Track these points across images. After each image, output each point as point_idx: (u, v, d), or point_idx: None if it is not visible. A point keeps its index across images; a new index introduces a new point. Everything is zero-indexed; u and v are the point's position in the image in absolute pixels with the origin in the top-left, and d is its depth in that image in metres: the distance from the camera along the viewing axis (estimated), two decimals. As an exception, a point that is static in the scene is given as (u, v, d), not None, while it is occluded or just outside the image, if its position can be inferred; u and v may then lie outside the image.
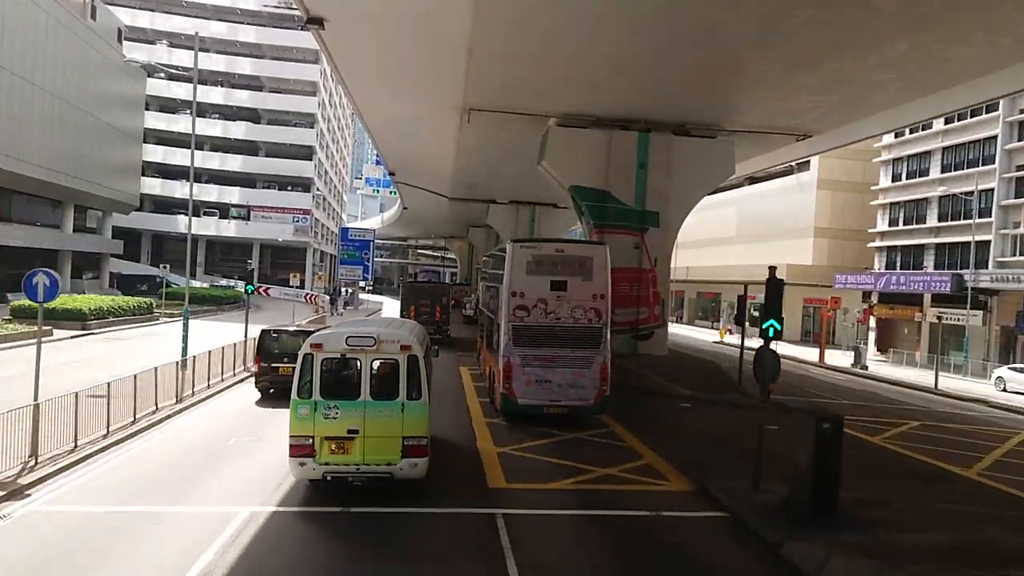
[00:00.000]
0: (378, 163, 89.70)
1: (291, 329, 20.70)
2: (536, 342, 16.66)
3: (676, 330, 63.91)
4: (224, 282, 69.31)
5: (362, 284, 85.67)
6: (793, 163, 60.91)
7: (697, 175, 26.92)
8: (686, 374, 24.13)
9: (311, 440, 10.47)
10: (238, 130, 67.84)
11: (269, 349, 18.63)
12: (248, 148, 69.70)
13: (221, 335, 30.53)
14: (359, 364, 10.73)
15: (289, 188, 69.68)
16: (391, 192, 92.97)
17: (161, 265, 45.32)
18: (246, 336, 25.73)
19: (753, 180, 70.16)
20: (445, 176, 48.55)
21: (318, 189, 72.22)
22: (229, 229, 67.27)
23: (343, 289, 79.55)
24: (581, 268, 16.89)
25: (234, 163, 67.96)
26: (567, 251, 17.37)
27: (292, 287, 70.29)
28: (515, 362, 16.61)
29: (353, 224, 73.30)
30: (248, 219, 67.38)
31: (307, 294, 66.25)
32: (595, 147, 26.09)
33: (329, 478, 10.58)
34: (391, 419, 10.61)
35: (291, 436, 10.57)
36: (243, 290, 35.57)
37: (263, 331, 19.56)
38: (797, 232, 60.73)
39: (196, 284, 63.53)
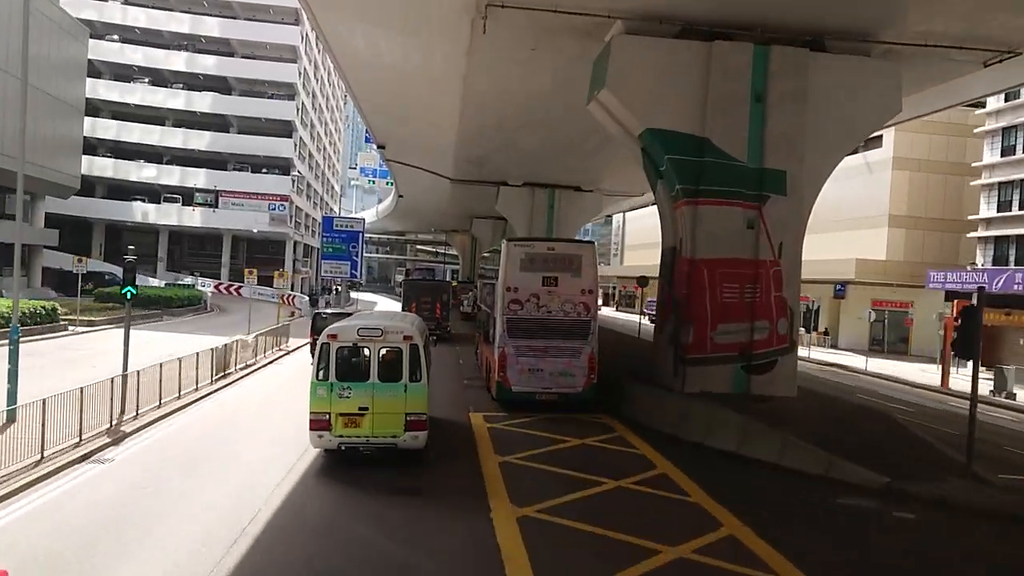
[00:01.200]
0: (368, 140, 79.53)
1: (336, 311, 27.39)
2: (529, 334, 17.70)
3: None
4: (189, 280, 59.66)
5: (348, 282, 76.21)
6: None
7: (843, 115, 17.26)
8: (847, 435, 14.52)
9: (328, 416, 12.21)
10: (204, 102, 58.16)
11: (321, 326, 19.29)
12: (217, 123, 60.05)
13: (145, 352, 21.49)
14: (368, 352, 12.54)
15: (264, 171, 60.04)
16: (388, 183, 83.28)
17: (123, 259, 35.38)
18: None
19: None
20: (447, 149, 39.05)
21: (299, 172, 62.49)
22: (194, 218, 57.63)
23: (335, 288, 70.04)
24: (571, 265, 17.95)
25: (200, 141, 58.34)
26: (558, 249, 18.56)
27: (268, 288, 60.78)
28: (510, 352, 17.68)
29: (343, 218, 63.63)
30: (216, 206, 57.75)
31: (284, 294, 56.57)
32: (685, 68, 16.61)
33: (343, 448, 12.41)
34: (395, 398, 12.33)
35: (311, 412, 12.33)
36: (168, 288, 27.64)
37: (316, 313, 25.87)
38: (865, 221, 51.02)
39: (155, 283, 54.00)
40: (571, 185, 47.56)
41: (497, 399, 18.22)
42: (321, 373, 12.26)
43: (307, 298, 53.64)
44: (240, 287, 59.84)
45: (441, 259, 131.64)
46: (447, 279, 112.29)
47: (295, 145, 61.18)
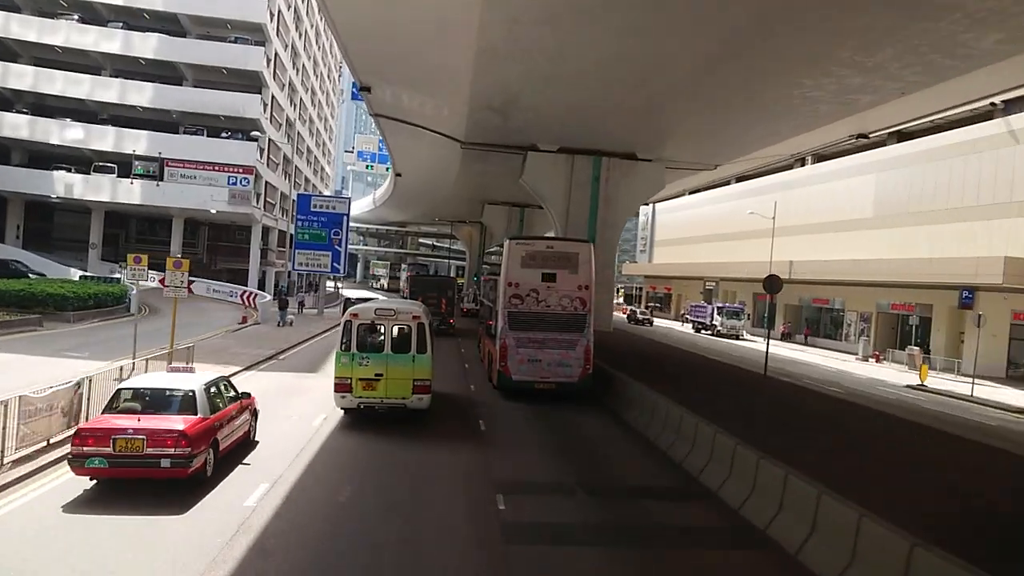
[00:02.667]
0: (355, 96, 66.96)
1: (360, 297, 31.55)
2: (529, 326, 18.91)
3: (815, 359, 42.19)
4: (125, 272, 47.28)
5: (334, 278, 63.97)
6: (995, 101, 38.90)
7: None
8: None
9: (349, 380, 14.90)
10: (148, 45, 45.78)
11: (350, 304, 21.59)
12: (168, 75, 47.65)
13: None
14: (383, 328, 15.38)
15: (226, 135, 47.56)
16: (387, 169, 71.10)
17: None
18: None
19: (904, 135, 48.01)
20: (459, 94, 27.15)
21: (271, 139, 50.02)
22: (132, 193, 45.22)
23: (315, 285, 57.69)
24: (569, 262, 19.23)
25: (140, 95, 45.93)
26: (556, 247, 20.10)
27: (229, 285, 48.45)
28: (510, 343, 18.95)
29: (323, 197, 50.91)
30: (161, 178, 45.39)
31: (245, 293, 44.18)
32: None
33: (362, 407, 15.10)
34: (405, 366, 15.00)
35: (336, 377, 15.09)
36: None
37: (346, 299, 34.15)
38: (999, 210, 38.49)
39: (76, 275, 41.74)
40: (623, 152, 35.13)
41: (498, 387, 19.53)
42: (344, 345, 15.02)
43: (268, 297, 41.39)
44: (192, 282, 47.42)
45: (445, 254, 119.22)
46: (451, 275, 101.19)
47: (266, 105, 48.73)
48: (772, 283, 20.56)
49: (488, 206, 64.24)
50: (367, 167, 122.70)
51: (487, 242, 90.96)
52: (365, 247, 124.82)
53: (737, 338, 56.63)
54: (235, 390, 12.65)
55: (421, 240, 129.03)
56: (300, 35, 59.88)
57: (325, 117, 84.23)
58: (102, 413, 10.75)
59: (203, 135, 47.00)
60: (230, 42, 47.08)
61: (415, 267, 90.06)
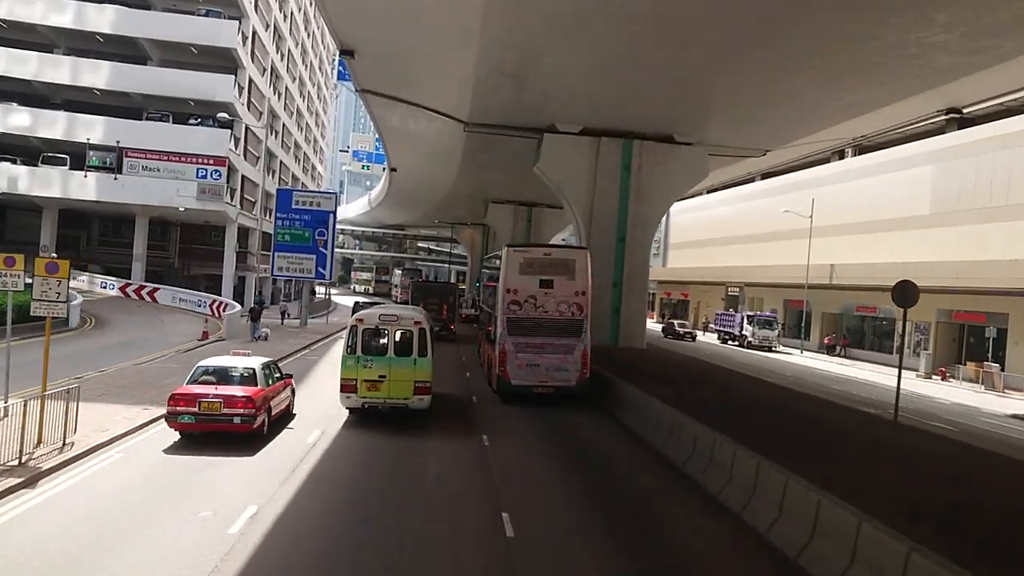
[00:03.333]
0: (342, 75, 61.62)
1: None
2: (527, 332, 19.20)
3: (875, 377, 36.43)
4: (84, 278, 41.52)
5: (320, 284, 58.25)
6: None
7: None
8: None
9: (354, 381, 15.55)
10: (105, 19, 40.01)
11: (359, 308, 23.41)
12: (128, 52, 41.85)
13: None
14: (387, 332, 15.87)
15: (196, 120, 41.69)
16: (384, 168, 65.33)
17: None
18: None
19: (966, 121, 42.17)
20: (464, 55, 21.54)
21: (247, 127, 44.21)
22: (87, 188, 39.38)
23: (314, 292, 52.04)
24: (566, 269, 19.56)
25: (96, 76, 40.14)
26: (554, 254, 20.25)
27: (198, 293, 42.78)
28: (509, 348, 19.21)
29: (306, 192, 44.80)
30: (118, 171, 39.57)
31: (214, 303, 38.36)
32: None
33: (366, 407, 15.79)
34: (407, 369, 15.62)
35: (341, 379, 15.70)
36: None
37: (356, 303, 33.33)
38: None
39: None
40: (658, 133, 29.48)
41: (497, 391, 19.78)
42: (350, 348, 15.70)
43: (238, 308, 35.66)
44: (155, 290, 41.65)
45: (445, 258, 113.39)
46: (451, 281, 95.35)
47: (242, 89, 42.95)
48: (906, 292, 14.46)
49: (492, 205, 58.48)
50: (363, 167, 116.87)
51: (490, 245, 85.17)
52: (362, 251, 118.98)
53: (770, 350, 50.80)
54: (280, 371, 16.06)
55: (420, 244, 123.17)
56: (285, 17, 54.16)
57: (316, 112, 78.49)
58: (185, 384, 13.79)
59: (169, 122, 41.14)
60: (200, 15, 41.30)
61: (409, 271, 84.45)
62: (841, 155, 52.80)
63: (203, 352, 25.98)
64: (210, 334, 29.65)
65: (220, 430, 13.13)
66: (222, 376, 14.04)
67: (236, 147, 42.31)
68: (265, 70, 48.73)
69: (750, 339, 50.73)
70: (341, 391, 15.66)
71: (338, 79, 66.61)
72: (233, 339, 30.98)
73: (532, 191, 53.93)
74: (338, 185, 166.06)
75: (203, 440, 13.19)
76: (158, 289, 41.43)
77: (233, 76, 40.69)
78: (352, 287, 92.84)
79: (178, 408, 12.97)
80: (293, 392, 16.69)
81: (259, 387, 13.86)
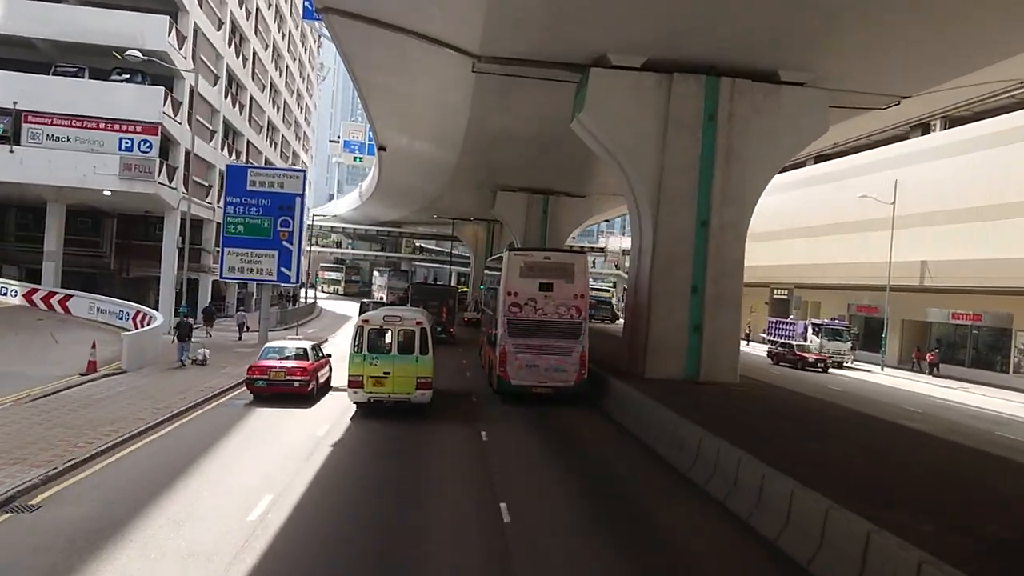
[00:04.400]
0: (308, 12, 52.24)
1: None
2: (527, 333, 19.70)
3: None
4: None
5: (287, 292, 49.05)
6: None
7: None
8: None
9: (361, 378, 16.82)
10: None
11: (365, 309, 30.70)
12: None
13: None
14: (391, 332, 17.21)
15: (120, 73, 31.90)
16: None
17: None
18: None
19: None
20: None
21: (194, 89, 34.61)
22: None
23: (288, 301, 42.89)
24: (565, 273, 19.98)
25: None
26: (553, 259, 20.65)
27: (125, 304, 33.45)
28: (509, 350, 19.71)
29: (266, 170, 34.68)
30: (15, 141, 30.11)
31: (139, 314, 28.87)
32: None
33: (372, 401, 16.99)
34: (410, 366, 16.86)
35: (349, 375, 17.07)
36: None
37: (362, 303, 42.40)
38: None
39: None
40: (756, 68, 20.20)
41: (498, 391, 20.29)
42: (357, 347, 16.92)
43: (159, 321, 26.28)
44: (68, 298, 32.26)
45: (446, 258, 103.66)
46: (452, 283, 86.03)
47: (184, 38, 33.42)
48: None
49: (502, 194, 49.04)
50: (356, 159, 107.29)
51: (495, 243, 75.68)
52: (354, 251, 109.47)
53: (840, 366, 41.31)
54: (322, 352, 20.91)
55: (418, 242, 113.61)
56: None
57: (299, 91, 69.04)
58: (258, 360, 19.01)
59: (84, 77, 31.57)
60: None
61: (394, 273, 78.46)
62: (925, 129, 43.49)
63: (71, 400, 16.59)
64: (95, 366, 20.15)
65: (283, 392, 18.23)
66: (283, 354, 19.25)
67: (176, 113, 32.82)
68: (222, 24, 39.27)
69: (814, 353, 40.52)
70: (349, 386, 17.07)
71: (304, 17, 56.83)
72: (140, 370, 21.52)
73: (550, 175, 44.43)
74: (335, 185, 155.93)
75: (271, 400, 18.25)
76: (71, 297, 32.03)
77: (168, 18, 31.18)
78: (319, 287, 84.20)
79: (255, 376, 18.26)
80: (331, 369, 20.92)
81: (310, 361, 19.15)
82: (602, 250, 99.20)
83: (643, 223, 21.43)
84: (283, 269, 31.62)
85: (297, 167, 34.65)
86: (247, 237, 30.97)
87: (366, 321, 17.32)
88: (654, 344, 20.46)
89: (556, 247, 42.78)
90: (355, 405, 17.45)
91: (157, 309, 31.95)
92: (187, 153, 33.90)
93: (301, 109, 71.68)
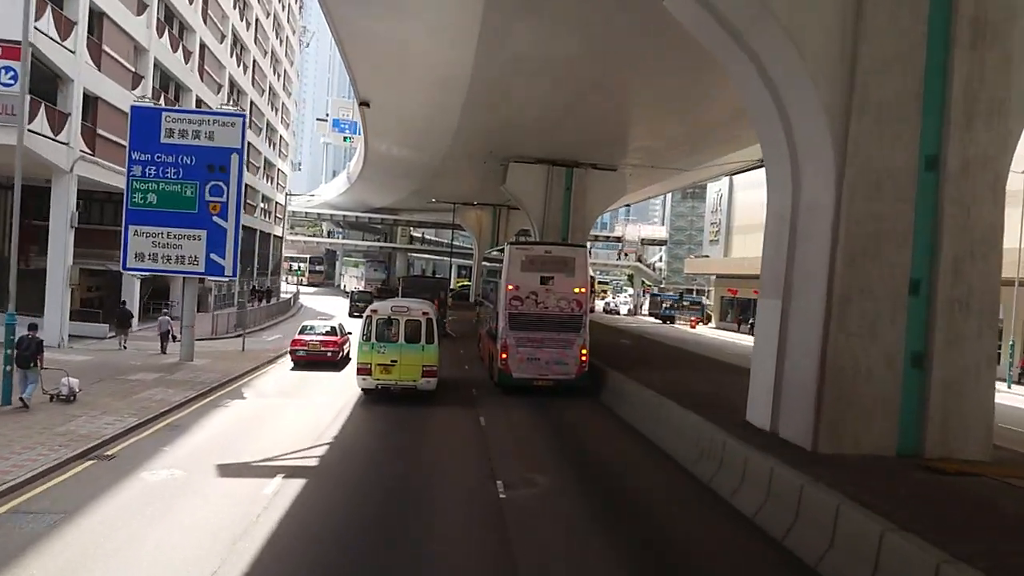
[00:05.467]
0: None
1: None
2: (528, 327, 19.89)
3: None
4: None
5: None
6: None
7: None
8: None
9: (369, 365, 17.70)
10: None
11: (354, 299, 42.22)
12: None
13: None
14: (398, 322, 17.93)
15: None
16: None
17: None
18: None
19: None
20: None
21: (91, 4, 24.97)
22: None
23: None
24: (565, 266, 20.20)
25: None
26: (554, 252, 20.96)
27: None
28: (510, 343, 19.87)
29: (189, 114, 25.11)
30: None
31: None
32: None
33: (379, 387, 17.86)
34: (416, 354, 17.70)
35: (358, 363, 18.09)
36: None
37: (351, 292, 54.32)
38: None
39: None
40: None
41: (499, 384, 20.43)
42: (366, 336, 17.72)
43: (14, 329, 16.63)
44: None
45: (446, 249, 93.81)
46: (452, 276, 76.73)
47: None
48: None
49: (515, 166, 39.14)
50: (345, 139, 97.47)
51: (503, 229, 66.13)
52: (344, 240, 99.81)
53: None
54: (345, 329, 26.12)
55: (415, 231, 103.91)
56: None
57: (274, 52, 59.24)
58: (297, 335, 24.04)
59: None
60: None
61: (372, 264, 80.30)
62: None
63: None
64: None
65: (319, 360, 23.12)
66: (317, 330, 24.56)
67: (66, 36, 23.15)
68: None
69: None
70: (358, 374, 18.01)
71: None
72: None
73: (575, 143, 34.96)
74: (328, 175, 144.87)
75: (309, 367, 22.89)
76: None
77: None
78: (286, 279, 76.71)
79: (296, 348, 23.30)
80: (350, 344, 24.92)
81: (338, 336, 24.45)
82: (619, 239, 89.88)
83: (803, 168, 11.97)
84: (213, 256, 22.23)
85: (236, 111, 24.79)
86: (161, 211, 21.73)
87: (375, 311, 18.23)
88: (835, 391, 11.04)
89: (575, 238, 35.57)
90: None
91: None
92: (88, 97, 24.30)
93: (279, 76, 61.93)
